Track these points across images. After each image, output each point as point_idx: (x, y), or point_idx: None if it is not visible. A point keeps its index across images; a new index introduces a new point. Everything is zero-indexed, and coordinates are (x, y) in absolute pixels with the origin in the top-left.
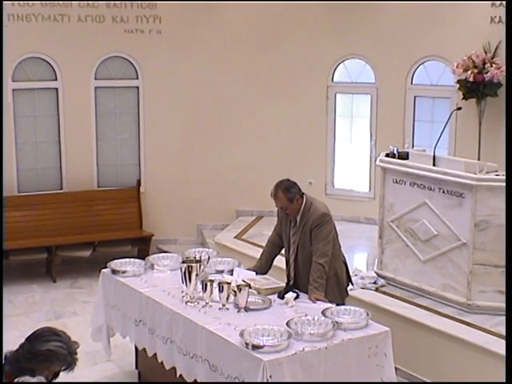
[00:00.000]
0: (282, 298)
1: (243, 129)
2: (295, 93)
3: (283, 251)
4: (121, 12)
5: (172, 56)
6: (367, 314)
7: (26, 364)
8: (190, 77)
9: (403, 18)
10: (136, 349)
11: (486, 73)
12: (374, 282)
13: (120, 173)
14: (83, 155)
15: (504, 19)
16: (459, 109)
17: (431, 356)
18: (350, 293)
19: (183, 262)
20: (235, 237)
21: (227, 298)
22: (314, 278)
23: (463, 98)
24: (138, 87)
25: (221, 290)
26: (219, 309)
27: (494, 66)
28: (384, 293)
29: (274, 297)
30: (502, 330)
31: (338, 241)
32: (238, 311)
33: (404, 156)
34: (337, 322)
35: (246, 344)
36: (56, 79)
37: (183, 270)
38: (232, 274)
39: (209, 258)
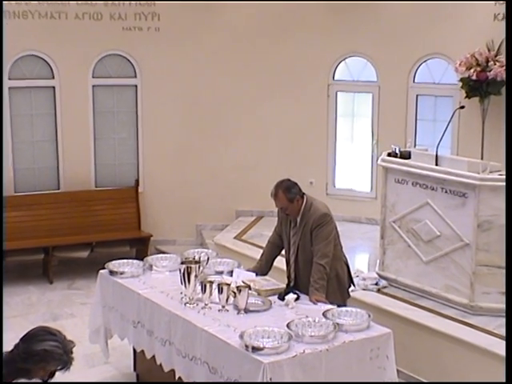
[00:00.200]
0: (283, 299)
1: (243, 128)
2: (296, 91)
3: (283, 252)
4: (119, 9)
5: (171, 54)
6: (369, 316)
7: (22, 365)
8: (190, 75)
9: (405, 16)
10: (134, 351)
11: (490, 71)
12: (376, 283)
13: (118, 172)
14: (81, 154)
15: None
16: (462, 107)
17: (434, 358)
18: (351, 294)
19: (182, 263)
20: (235, 237)
21: (227, 300)
22: (314, 279)
23: (466, 97)
24: (136, 86)
25: (220, 291)
26: (219, 310)
27: (497, 64)
28: (386, 294)
29: (274, 298)
30: None
31: (339, 241)
32: (238, 313)
33: (406, 155)
34: (338, 324)
35: (246, 346)
36: (53, 77)
37: (182, 271)
38: (232, 275)
39: (208, 258)
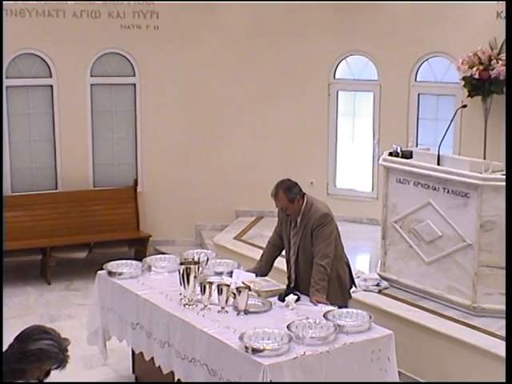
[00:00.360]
0: (283, 300)
1: (243, 127)
2: (296, 90)
3: (284, 252)
4: (117, 7)
5: (170, 52)
6: (370, 317)
7: (17, 365)
8: (189, 74)
9: (406, 13)
10: (133, 353)
11: (492, 69)
12: (377, 284)
13: (116, 172)
14: (79, 154)
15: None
16: (464, 106)
17: (436, 360)
18: (352, 295)
19: (181, 264)
20: (234, 238)
21: (226, 301)
22: (315, 280)
23: (468, 96)
24: (134, 84)
25: (220, 292)
26: (218, 312)
27: (500, 62)
28: (387, 295)
29: (275, 299)
30: None
31: (340, 242)
32: (238, 314)
33: (408, 155)
34: (339, 325)
35: (246, 348)
36: (51, 76)
37: (181, 272)
38: (231, 276)
39: (207, 259)
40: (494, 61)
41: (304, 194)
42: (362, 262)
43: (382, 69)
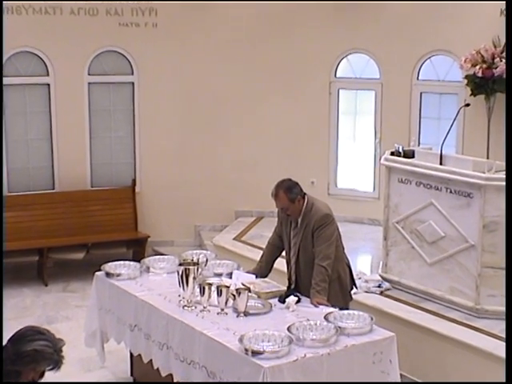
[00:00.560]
0: (283, 302)
1: (243, 126)
2: (296, 89)
3: (284, 253)
4: (115, 5)
5: (169, 50)
6: (371, 319)
7: (11, 367)
8: (188, 72)
9: (409, 11)
10: (131, 355)
11: (496, 68)
12: (379, 286)
13: (114, 172)
14: (76, 153)
15: None
16: (467, 105)
17: (438, 362)
18: (353, 297)
19: (180, 265)
20: (234, 238)
21: (226, 302)
22: (316, 282)
23: (471, 94)
24: (133, 83)
25: (219, 293)
26: (217, 313)
27: (503, 60)
28: (389, 297)
29: (275, 301)
30: None
31: (341, 242)
32: (237, 316)
33: (410, 154)
34: (340, 327)
35: (246, 350)
36: (48, 74)
37: (180, 273)
38: (231, 277)
39: (207, 260)
40: (498, 59)
41: (305, 194)
42: (363, 263)
43: (383, 67)
